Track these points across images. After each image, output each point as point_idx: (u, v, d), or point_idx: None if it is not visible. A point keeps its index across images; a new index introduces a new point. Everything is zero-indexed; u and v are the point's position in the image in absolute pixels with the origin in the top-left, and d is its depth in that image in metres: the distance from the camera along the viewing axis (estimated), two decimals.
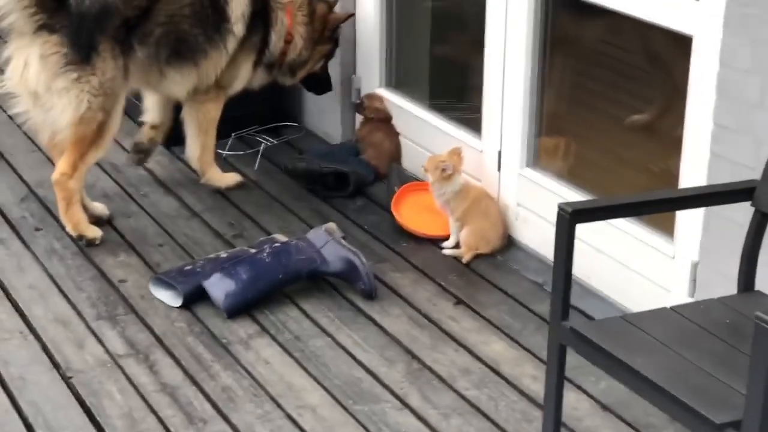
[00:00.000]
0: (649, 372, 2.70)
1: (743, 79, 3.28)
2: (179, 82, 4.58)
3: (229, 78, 4.70)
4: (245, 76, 4.77)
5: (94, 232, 4.41)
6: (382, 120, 4.98)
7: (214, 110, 4.79)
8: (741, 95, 3.30)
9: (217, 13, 4.51)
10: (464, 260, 4.30)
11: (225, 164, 5.11)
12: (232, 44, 4.56)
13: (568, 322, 2.87)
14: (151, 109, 4.89)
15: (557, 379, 2.95)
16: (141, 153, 4.95)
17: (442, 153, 4.40)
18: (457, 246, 4.39)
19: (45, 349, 3.77)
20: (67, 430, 3.37)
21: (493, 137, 4.43)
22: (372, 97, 5.00)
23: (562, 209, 2.82)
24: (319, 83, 5.05)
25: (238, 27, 4.55)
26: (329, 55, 4.98)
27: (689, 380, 2.68)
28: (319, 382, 3.63)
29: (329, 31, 4.89)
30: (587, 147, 4.39)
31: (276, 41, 4.73)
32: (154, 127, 4.91)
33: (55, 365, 3.68)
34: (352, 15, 5.05)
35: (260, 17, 4.66)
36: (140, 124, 4.95)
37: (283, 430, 3.40)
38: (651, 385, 2.68)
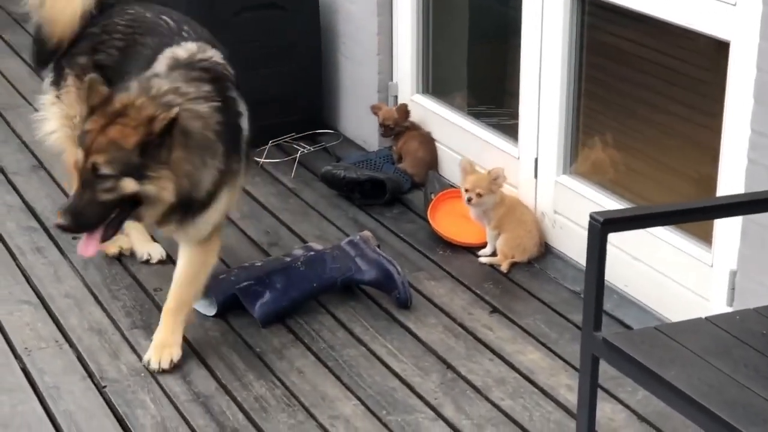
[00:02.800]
0: (682, 384, 2.65)
1: None
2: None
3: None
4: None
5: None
6: (415, 129, 4.98)
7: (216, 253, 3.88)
8: None
9: None
10: (503, 268, 4.27)
11: (262, 172, 5.10)
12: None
13: (600, 333, 2.83)
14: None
15: (590, 390, 2.91)
16: None
17: (482, 174, 4.36)
18: (494, 254, 4.36)
19: (80, 358, 3.77)
20: None
21: (530, 144, 4.39)
22: (380, 107, 5.02)
23: (593, 218, 2.78)
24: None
25: None
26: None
27: (723, 393, 2.63)
28: (352, 392, 3.61)
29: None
30: (626, 154, 4.33)
31: None
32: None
33: (90, 374, 3.68)
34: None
35: None
36: None
37: None
38: (684, 398, 2.63)
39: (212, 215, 3.66)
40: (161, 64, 3.65)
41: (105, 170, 3.37)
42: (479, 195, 4.27)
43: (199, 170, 3.50)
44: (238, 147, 3.69)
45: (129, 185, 3.39)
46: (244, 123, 3.72)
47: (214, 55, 3.73)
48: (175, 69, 3.60)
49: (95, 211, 3.43)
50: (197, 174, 3.49)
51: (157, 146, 3.35)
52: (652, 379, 2.71)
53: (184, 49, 3.70)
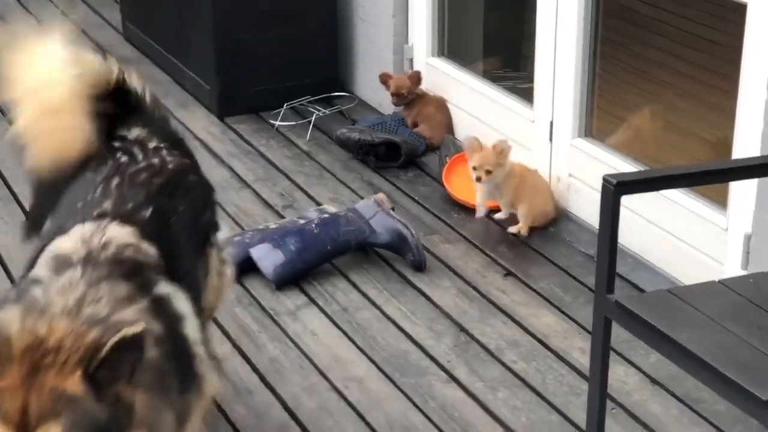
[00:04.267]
0: (695, 347, 2.64)
1: None
2: None
3: None
4: None
5: None
6: (427, 95, 4.96)
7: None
8: None
9: None
10: (523, 233, 4.25)
11: (277, 135, 5.10)
12: None
13: (613, 296, 2.82)
14: None
15: (602, 352, 2.91)
16: None
17: (487, 150, 4.28)
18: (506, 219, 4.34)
19: None
20: None
21: (545, 107, 4.37)
22: (390, 76, 4.99)
23: (606, 181, 2.77)
24: None
25: None
26: None
27: (736, 355, 2.63)
28: (366, 355, 3.62)
29: None
30: (641, 117, 4.32)
31: None
32: None
33: None
34: None
35: None
36: None
37: (329, 402, 3.39)
38: (696, 361, 2.63)
39: None
40: (42, 266, 2.45)
41: None
42: (488, 172, 4.21)
43: (160, 419, 2.33)
44: (188, 374, 2.48)
45: None
46: (192, 329, 2.49)
47: (123, 236, 2.50)
48: (63, 270, 2.38)
49: None
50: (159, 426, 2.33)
51: (114, 388, 2.16)
52: (664, 342, 2.71)
53: (72, 239, 2.49)
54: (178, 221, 2.71)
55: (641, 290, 3.82)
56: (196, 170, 2.98)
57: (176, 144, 2.95)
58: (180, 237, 2.69)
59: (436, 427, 3.28)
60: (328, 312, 3.84)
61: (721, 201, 3.70)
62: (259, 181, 4.72)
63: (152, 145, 2.83)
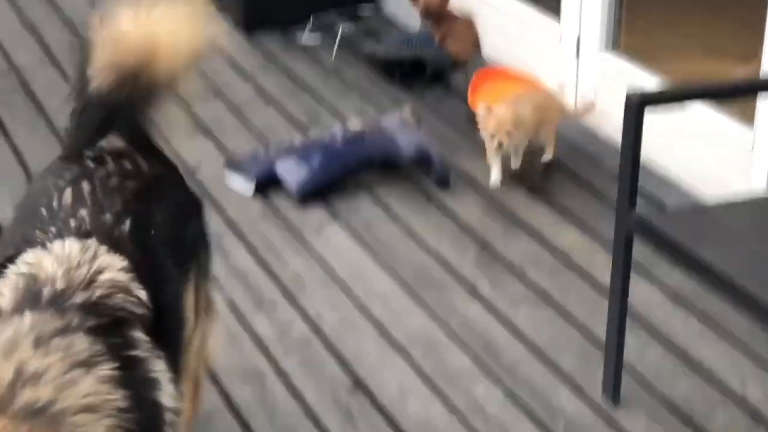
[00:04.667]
0: (718, 263, 2.63)
1: None
2: None
3: None
4: None
5: None
6: (456, 13, 4.91)
7: None
8: None
9: None
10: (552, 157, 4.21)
11: (302, 51, 5.07)
12: None
13: (635, 211, 2.81)
14: None
15: (623, 269, 2.90)
16: None
17: (501, 113, 3.98)
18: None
19: None
20: None
21: (572, 22, 4.32)
22: None
23: (630, 96, 2.75)
24: None
25: None
26: None
27: (759, 273, 2.61)
28: (389, 269, 3.63)
29: None
30: (670, 31, 4.26)
31: None
32: None
33: None
34: None
35: None
36: None
37: (352, 316, 3.41)
38: (719, 277, 2.62)
39: None
40: (7, 286, 2.03)
41: None
42: (508, 134, 3.96)
43: None
44: None
45: None
46: (167, 397, 2.04)
47: (114, 271, 2.08)
48: (21, 309, 1.97)
49: None
50: None
51: None
52: (686, 259, 2.70)
53: (51, 260, 2.06)
54: (158, 235, 2.29)
55: (664, 206, 3.81)
56: (179, 179, 2.56)
57: (155, 153, 2.51)
58: (162, 259, 2.27)
59: (458, 341, 3.30)
60: (352, 227, 3.85)
61: (747, 118, 3.66)
62: (285, 97, 4.71)
63: (124, 149, 2.43)
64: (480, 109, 4.03)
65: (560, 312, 3.41)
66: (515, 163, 4.12)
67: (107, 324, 1.98)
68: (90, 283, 2.02)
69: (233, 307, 3.43)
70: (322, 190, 4.00)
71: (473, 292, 3.51)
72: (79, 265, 2.04)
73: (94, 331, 1.94)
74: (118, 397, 1.88)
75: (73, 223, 2.15)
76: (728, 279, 2.58)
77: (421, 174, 4.11)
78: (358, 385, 3.12)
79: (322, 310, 3.43)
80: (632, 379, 3.11)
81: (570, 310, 3.42)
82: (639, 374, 3.14)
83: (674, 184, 3.97)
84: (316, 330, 3.34)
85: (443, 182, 4.05)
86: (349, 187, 4.05)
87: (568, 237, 3.77)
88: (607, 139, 4.27)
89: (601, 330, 3.19)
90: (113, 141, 2.43)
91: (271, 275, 3.60)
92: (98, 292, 2.02)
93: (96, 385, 1.86)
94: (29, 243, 2.10)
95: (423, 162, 4.07)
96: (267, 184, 4.03)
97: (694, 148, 3.87)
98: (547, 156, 4.18)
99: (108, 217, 2.19)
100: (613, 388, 3.01)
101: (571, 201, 3.96)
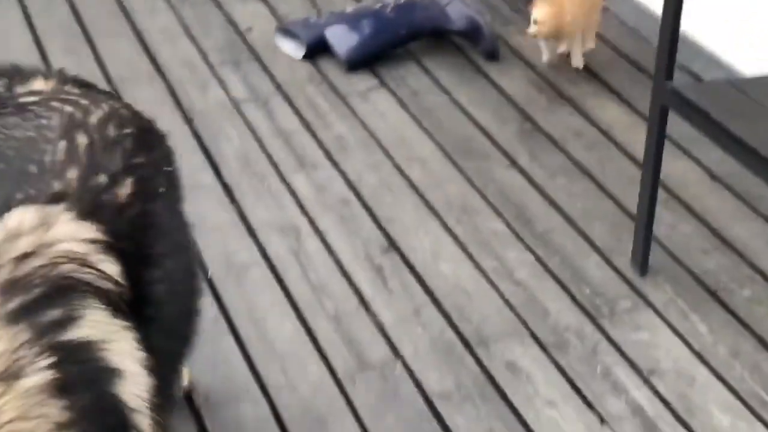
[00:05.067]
0: (751, 138, 2.65)
1: None
2: None
3: None
4: None
5: None
6: None
7: None
8: None
9: None
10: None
11: None
12: None
13: (671, 83, 2.82)
14: None
15: (657, 140, 2.93)
16: None
17: (551, 6, 3.86)
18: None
19: (171, 90, 3.89)
20: (185, 165, 3.48)
21: None
22: None
23: None
24: None
25: None
26: None
27: None
28: (431, 137, 3.67)
29: None
30: None
31: None
32: None
33: (179, 105, 3.80)
34: None
35: None
36: None
37: (390, 178, 3.47)
38: (750, 152, 2.63)
39: None
40: None
41: None
42: (547, 33, 3.86)
43: None
44: None
45: None
46: (133, 390, 1.62)
47: (70, 241, 1.70)
48: None
49: None
50: None
51: None
52: (719, 132, 2.71)
53: None
54: (163, 202, 1.99)
55: (702, 80, 3.79)
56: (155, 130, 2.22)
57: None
58: (167, 226, 1.97)
59: (493, 208, 3.35)
60: (399, 95, 3.89)
61: None
62: None
63: (91, 91, 2.14)
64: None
65: (596, 184, 3.45)
66: (561, 49, 4.05)
67: (39, 298, 1.56)
68: (26, 256, 1.60)
69: (275, 166, 3.51)
70: (370, 58, 4.03)
71: (512, 162, 3.55)
72: (18, 236, 1.63)
73: (17, 315, 1.52)
74: (54, 411, 1.46)
75: (56, 186, 1.78)
76: (759, 154, 2.60)
77: (470, 45, 4.12)
78: (392, 245, 3.19)
79: (361, 172, 3.49)
80: (662, 252, 3.15)
81: (605, 183, 3.45)
82: (669, 248, 3.18)
83: (716, 60, 3.92)
84: (355, 191, 3.41)
85: (491, 55, 4.06)
86: (397, 55, 4.08)
87: (610, 112, 3.78)
88: (656, 15, 4.23)
89: (634, 203, 3.22)
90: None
91: (315, 137, 3.66)
92: (33, 264, 1.59)
93: (20, 407, 1.44)
94: (4, 208, 1.69)
95: (473, 33, 4.08)
96: (317, 50, 4.06)
97: (737, 19, 3.80)
98: (589, 46, 4.09)
99: (102, 179, 1.84)
100: (641, 259, 3.05)
101: (617, 78, 3.96)
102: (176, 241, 2.00)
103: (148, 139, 2.08)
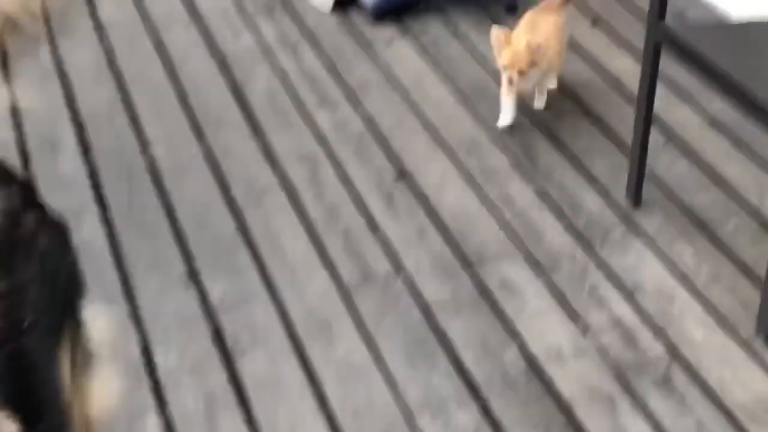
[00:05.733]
0: (737, 74, 2.81)
1: None
2: None
3: None
4: None
5: None
6: None
7: None
8: None
9: None
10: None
11: None
12: None
13: (663, 22, 3.01)
14: None
15: (650, 78, 3.10)
16: None
17: (519, 47, 3.55)
18: None
19: (205, 33, 4.13)
20: (214, 102, 3.76)
21: None
22: None
23: None
24: None
25: None
26: None
27: None
28: (448, 81, 3.88)
29: None
30: None
31: None
32: None
33: (212, 47, 4.04)
34: None
35: None
36: None
37: (406, 116, 3.69)
38: (735, 86, 2.79)
39: None
40: None
41: None
42: (521, 72, 3.53)
43: None
44: None
45: None
46: None
47: None
48: None
49: None
50: None
51: None
52: (706, 68, 2.88)
53: None
54: (28, 306, 1.63)
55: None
56: (34, 205, 1.78)
57: None
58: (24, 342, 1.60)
59: (500, 146, 3.55)
60: (420, 43, 4.10)
61: None
62: None
63: None
64: (494, 35, 3.57)
65: (599, 125, 3.64)
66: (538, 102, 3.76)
67: None
68: None
69: (299, 103, 3.73)
70: (396, 10, 4.25)
71: (522, 106, 3.74)
72: None
73: None
74: None
75: None
76: (743, 87, 2.76)
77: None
78: (403, 174, 3.41)
79: (379, 111, 3.71)
80: (657, 188, 3.34)
81: (609, 124, 3.64)
82: (664, 184, 3.37)
83: (711, 6, 4.06)
84: (371, 127, 3.63)
85: (511, 8, 4.26)
86: (421, 8, 4.29)
87: (621, 63, 3.96)
88: None
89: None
90: None
91: (338, 78, 3.88)
92: None
93: None
94: None
95: None
96: (345, 1, 4.28)
97: None
98: (551, 86, 3.80)
99: None
100: (635, 190, 3.24)
101: (630, 28, 4.13)
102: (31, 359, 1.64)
103: None
